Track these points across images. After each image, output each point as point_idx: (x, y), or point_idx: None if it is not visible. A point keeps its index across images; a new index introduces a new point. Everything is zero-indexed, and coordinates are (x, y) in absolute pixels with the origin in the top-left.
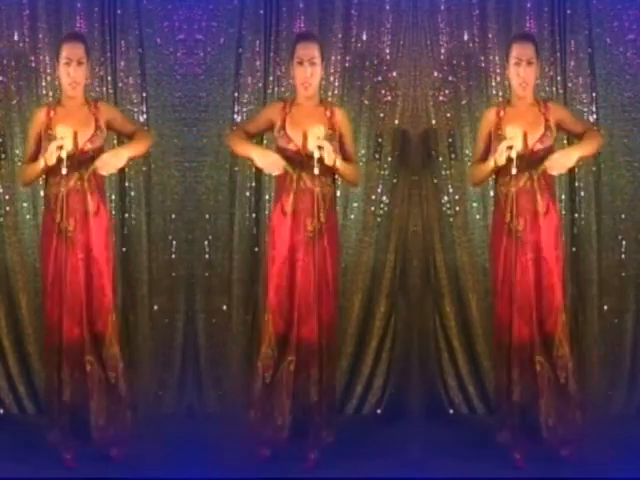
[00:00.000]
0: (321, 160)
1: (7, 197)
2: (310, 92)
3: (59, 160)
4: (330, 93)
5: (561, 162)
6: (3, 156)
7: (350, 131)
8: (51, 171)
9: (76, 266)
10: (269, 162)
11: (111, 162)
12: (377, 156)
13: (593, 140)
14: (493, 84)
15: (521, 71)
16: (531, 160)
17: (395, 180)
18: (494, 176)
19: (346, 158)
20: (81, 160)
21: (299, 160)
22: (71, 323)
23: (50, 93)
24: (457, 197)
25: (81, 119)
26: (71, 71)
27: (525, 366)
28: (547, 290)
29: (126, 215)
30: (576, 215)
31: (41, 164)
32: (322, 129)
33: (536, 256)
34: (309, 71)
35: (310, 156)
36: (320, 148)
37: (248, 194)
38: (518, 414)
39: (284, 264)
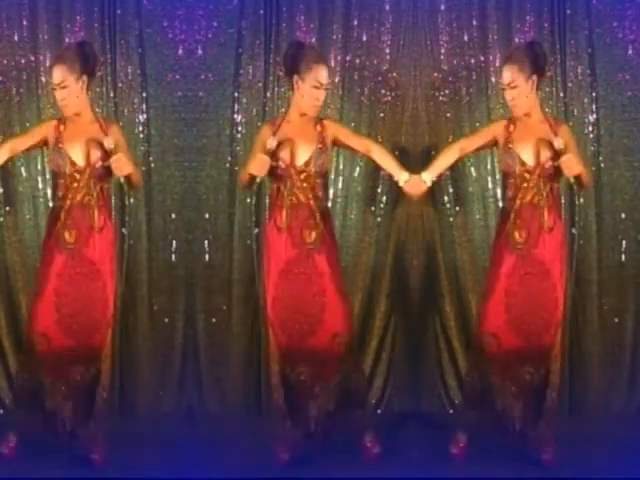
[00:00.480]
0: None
1: (7, 197)
2: (317, 113)
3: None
4: (330, 93)
5: (572, 163)
6: None
7: (344, 128)
8: (62, 185)
9: (75, 279)
10: (252, 165)
11: (126, 163)
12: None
13: (588, 176)
14: (493, 84)
15: (507, 95)
16: (541, 176)
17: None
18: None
19: (362, 147)
20: (90, 176)
21: (289, 176)
22: (62, 334)
23: (50, 93)
24: (457, 197)
25: (92, 136)
26: (57, 96)
27: (508, 376)
28: (549, 303)
29: (126, 215)
30: (576, 215)
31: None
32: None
33: (538, 270)
34: (323, 95)
35: (300, 170)
36: None
37: (248, 194)
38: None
39: (280, 278)
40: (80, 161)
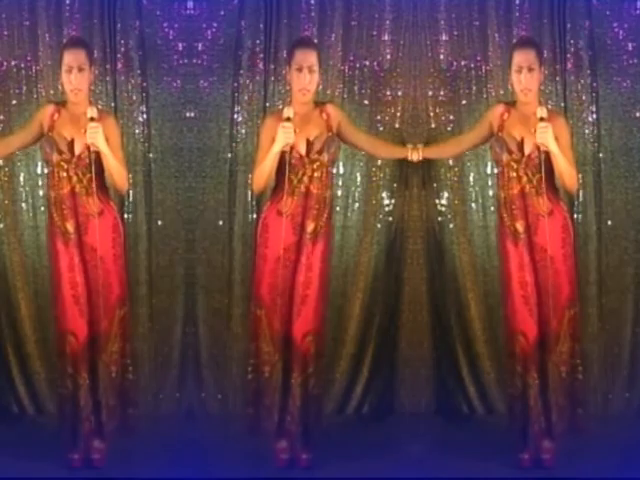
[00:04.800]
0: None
1: (6, 197)
2: (307, 98)
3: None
4: (330, 93)
5: (545, 135)
6: None
7: (348, 118)
8: (51, 173)
9: (80, 268)
10: (278, 140)
11: (99, 136)
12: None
13: (571, 170)
14: (493, 84)
15: (522, 78)
16: (528, 166)
17: (395, 180)
18: (496, 179)
19: (359, 138)
20: (77, 166)
21: (300, 165)
22: (84, 325)
23: (51, 92)
24: (456, 198)
25: (83, 126)
26: (72, 78)
27: (538, 368)
28: (554, 289)
29: (126, 215)
30: (576, 215)
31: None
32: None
33: (542, 257)
34: (308, 78)
35: (313, 160)
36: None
37: (248, 194)
38: (535, 418)
39: (277, 263)
40: (66, 150)
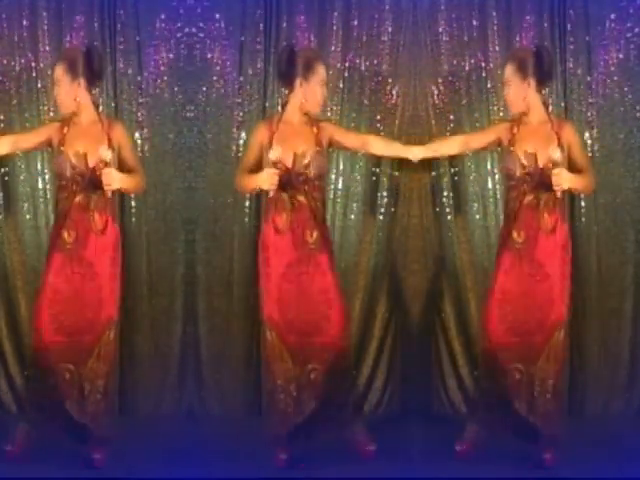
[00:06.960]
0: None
1: (6, 197)
2: (320, 110)
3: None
4: (330, 93)
5: (560, 180)
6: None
7: (339, 128)
8: (63, 187)
9: (71, 279)
10: (262, 180)
11: (115, 178)
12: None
13: (587, 180)
14: (493, 84)
15: (504, 90)
16: (541, 178)
17: (395, 180)
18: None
19: (359, 142)
20: (90, 178)
21: (289, 178)
22: (53, 329)
23: (50, 93)
24: (457, 197)
25: (94, 138)
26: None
27: (501, 372)
28: (544, 304)
29: (126, 215)
30: (576, 215)
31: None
32: None
33: (536, 271)
34: (325, 91)
35: (299, 173)
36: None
37: (248, 194)
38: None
39: (283, 279)
40: (80, 165)
